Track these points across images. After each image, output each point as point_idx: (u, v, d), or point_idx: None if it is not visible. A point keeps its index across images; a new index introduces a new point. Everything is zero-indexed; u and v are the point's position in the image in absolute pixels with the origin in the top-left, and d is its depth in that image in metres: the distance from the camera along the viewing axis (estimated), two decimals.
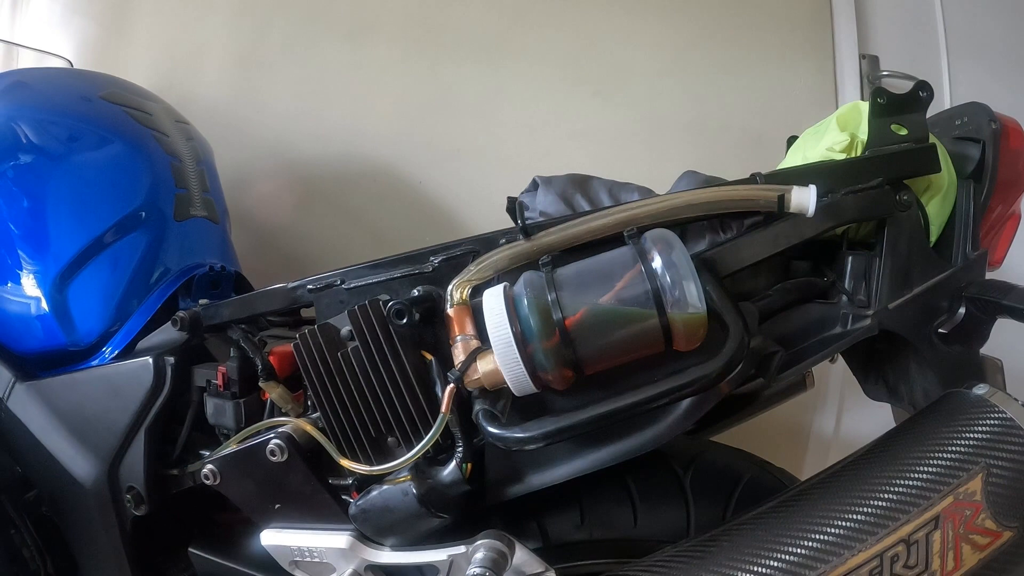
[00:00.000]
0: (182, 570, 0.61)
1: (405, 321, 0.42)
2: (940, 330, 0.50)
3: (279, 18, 0.95)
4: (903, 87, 0.49)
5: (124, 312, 0.61)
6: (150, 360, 0.55)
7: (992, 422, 0.40)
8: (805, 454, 0.97)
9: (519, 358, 0.37)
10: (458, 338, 0.41)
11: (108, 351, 0.61)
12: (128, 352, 0.60)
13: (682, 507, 0.51)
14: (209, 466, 0.52)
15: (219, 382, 0.54)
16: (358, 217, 0.95)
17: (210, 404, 0.55)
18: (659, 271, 0.37)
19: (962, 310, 0.50)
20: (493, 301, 0.38)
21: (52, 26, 0.92)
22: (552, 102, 0.95)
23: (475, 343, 0.41)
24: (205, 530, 0.61)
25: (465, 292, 0.43)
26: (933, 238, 0.52)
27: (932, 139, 0.51)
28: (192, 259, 0.65)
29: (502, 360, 0.37)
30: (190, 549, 0.57)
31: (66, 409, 0.59)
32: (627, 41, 0.96)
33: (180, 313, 0.56)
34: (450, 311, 0.42)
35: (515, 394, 0.39)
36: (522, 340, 0.37)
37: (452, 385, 0.40)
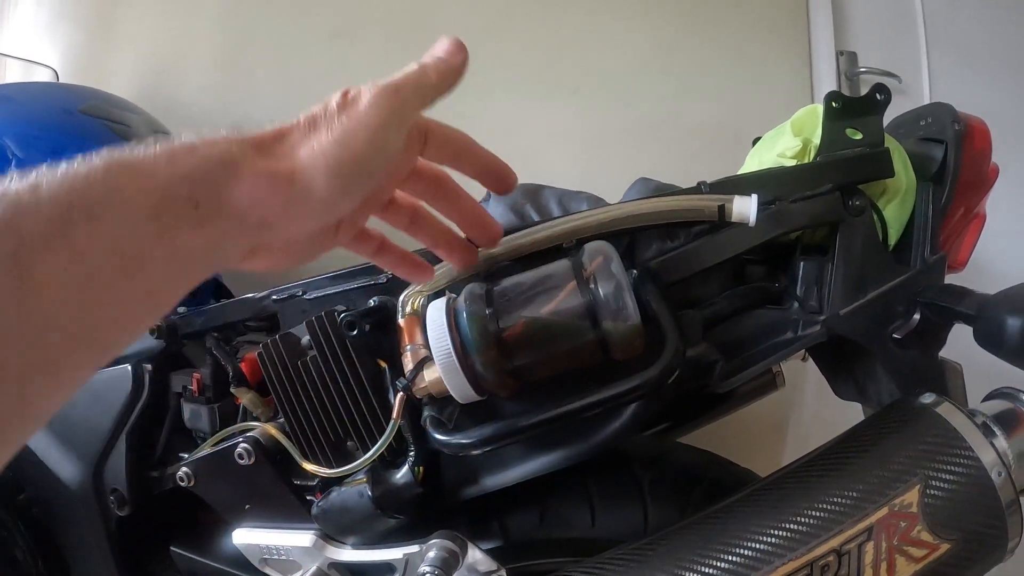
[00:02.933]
0: (166, 568, 0.63)
1: (356, 332, 0.43)
2: (895, 335, 0.50)
3: (262, 23, 0.96)
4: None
5: None
6: (129, 368, 0.58)
7: (935, 433, 0.40)
8: (783, 452, 0.97)
9: (459, 369, 0.38)
10: (408, 347, 0.43)
11: None
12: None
13: (639, 508, 0.53)
14: (184, 468, 0.54)
15: (194, 388, 0.57)
16: None
17: (186, 409, 0.58)
18: (593, 284, 0.38)
19: (917, 315, 0.50)
20: (434, 314, 0.39)
21: (38, 32, 0.94)
22: (530, 102, 0.96)
23: (423, 352, 0.42)
24: (188, 529, 0.64)
25: (417, 302, 0.44)
26: (892, 241, 0.53)
27: (890, 141, 0.51)
28: None
29: (443, 371, 0.39)
30: (172, 547, 0.60)
31: (53, 415, 0.61)
32: (605, 40, 0.96)
33: (157, 322, 0.58)
34: (401, 321, 0.44)
35: (460, 402, 0.41)
36: (462, 352, 0.38)
37: (402, 393, 0.42)
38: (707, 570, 0.36)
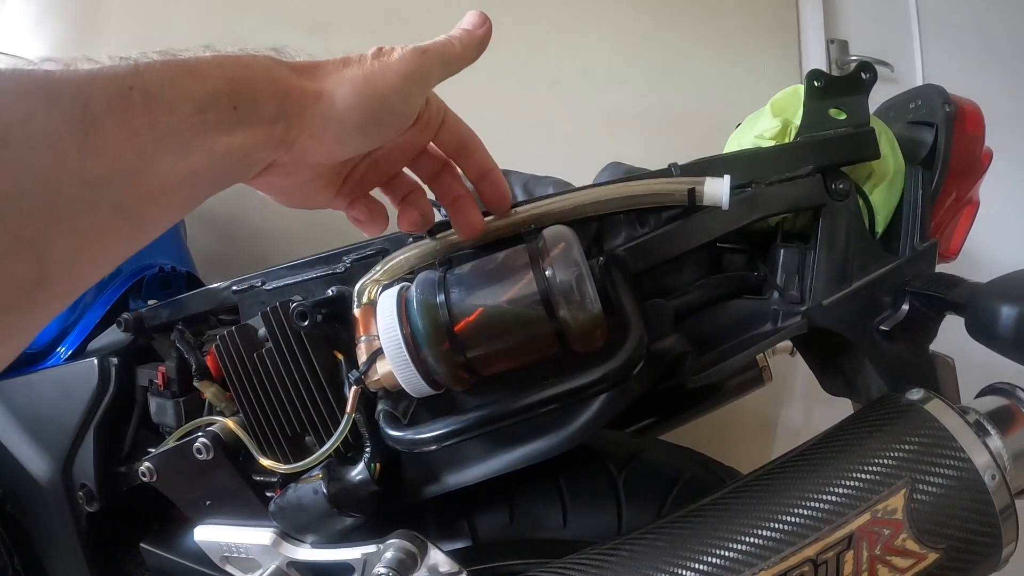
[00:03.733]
0: (138, 564, 0.62)
1: (308, 323, 0.42)
2: (882, 327, 0.47)
3: (243, 18, 0.96)
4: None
5: (77, 312, 0.63)
6: (95, 361, 0.57)
7: (923, 432, 0.37)
8: (772, 447, 0.94)
9: (409, 361, 0.36)
10: (362, 339, 0.41)
11: (63, 351, 0.63)
12: (81, 351, 0.62)
13: (613, 507, 0.50)
14: (147, 463, 0.53)
15: (159, 382, 0.55)
16: (320, 214, 0.95)
17: (153, 403, 0.56)
18: (551, 271, 0.36)
19: (905, 306, 0.47)
20: (385, 304, 0.37)
21: (26, 28, 0.94)
22: (509, 93, 0.93)
23: (377, 344, 0.40)
24: (161, 526, 0.63)
25: (373, 292, 0.42)
26: (880, 229, 0.50)
27: (877, 123, 0.48)
28: (144, 260, 0.66)
29: (394, 364, 0.37)
30: (141, 544, 0.59)
31: (23, 409, 0.61)
32: (587, 29, 0.93)
33: (124, 315, 0.57)
34: (356, 312, 0.42)
35: (413, 396, 0.39)
36: (413, 344, 0.36)
37: (355, 386, 0.40)
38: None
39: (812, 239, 0.46)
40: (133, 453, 0.59)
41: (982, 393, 0.44)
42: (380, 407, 0.40)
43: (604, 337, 0.37)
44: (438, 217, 0.43)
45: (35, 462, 0.59)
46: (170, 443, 0.53)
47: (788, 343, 0.66)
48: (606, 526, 0.50)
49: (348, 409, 0.41)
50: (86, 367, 0.57)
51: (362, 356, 0.40)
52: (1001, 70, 0.94)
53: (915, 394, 0.40)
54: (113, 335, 0.59)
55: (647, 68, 0.92)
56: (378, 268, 0.43)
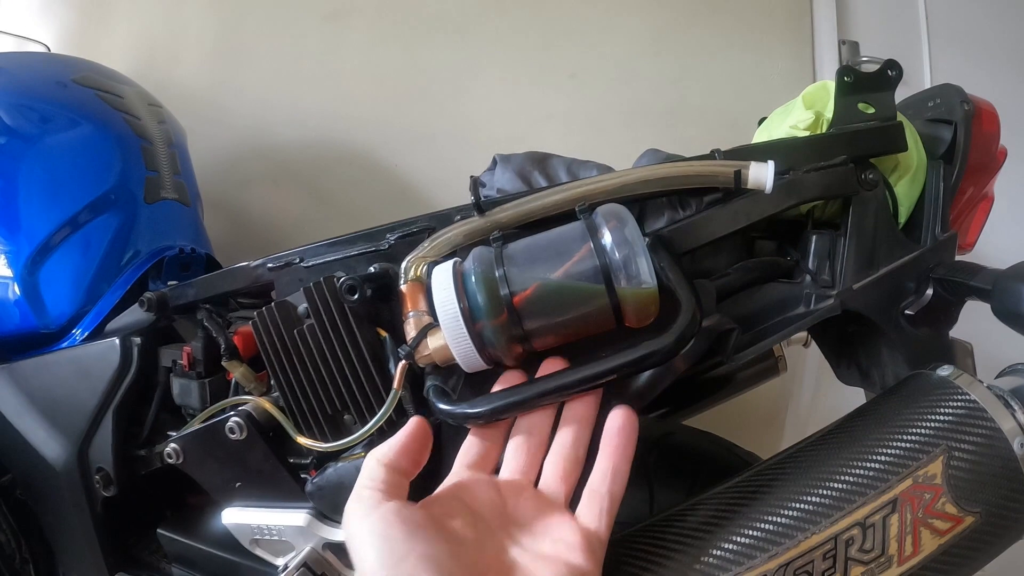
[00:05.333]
0: (153, 551, 0.61)
1: (356, 297, 0.42)
2: (907, 312, 0.49)
3: (256, 2, 0.95)
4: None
5: (94, 294, 0.62)
6: (117, 341, 0.55)
7: (955, 404, 0.39)
8: (781, 438, 0.96)
9: (467, 334, 0.37)
10: (410, 314, 0.41)
11: (78, 333, 0.61)
12: (98, 334, 0.60)
13: (645, 489, 0.51)
14: (172, 445, 0.52)
15: (184, 362, 0.55)
16: (333, 200, 0.95)
17: (176, 384, 0.55)
18: (608, 246, 0.36)
19: (929, 291, 0.49)
20: (441, 277, 0.38)
21: (32, 13, 0.92)
22: (528, 85, 0.95)
23: (427, 319, 0.40)
24: (176, 511, 0.61)
25: (420, 269, 0.43)
26: (902, 219, 0.52)
27: (901, 118, 0.50)
28: (162, 241, 0.65)
29: (450, 337, 0.37)
30: (159, 530, 0.58)
31: (38, 392, 0.59)
32: (603, 24, 0.95)
33: (147, 294, 0.56)
34: (403, 287, 0.42)
35: (465, 371, 0.39)
36: (469, 316, 0.37)
37: (404, 362, 0.40)
38: (729, 546, 0.35)
39: (842, 226, 0.48)
40: (152, 436, 0.58)
41: (1002, 374, 0.46)
42: (429, 382, 0.40)
43: (657, 312, 0.38)
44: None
45: (49, 445, 0.58)
46: (196, 424, 0.52)
47: (803, 333, 0.68)
48: (638, 508, 0.51)
49: (395, 385, 0.41)
50: (107, 347, 0.56)
51: (411, 331, 0.41)
52: (1008, 71, 0.98)
53: (945, 370, 0.42)
54: (134, 315, 0.58)
55: (663, 63, 0.94)
56: (426, 244, 0.43)
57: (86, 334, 0.61)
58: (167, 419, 0.59)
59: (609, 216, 0.38)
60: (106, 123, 0.64)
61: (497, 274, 0.37)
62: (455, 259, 0.40)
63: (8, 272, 0.60)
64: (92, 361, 0.56)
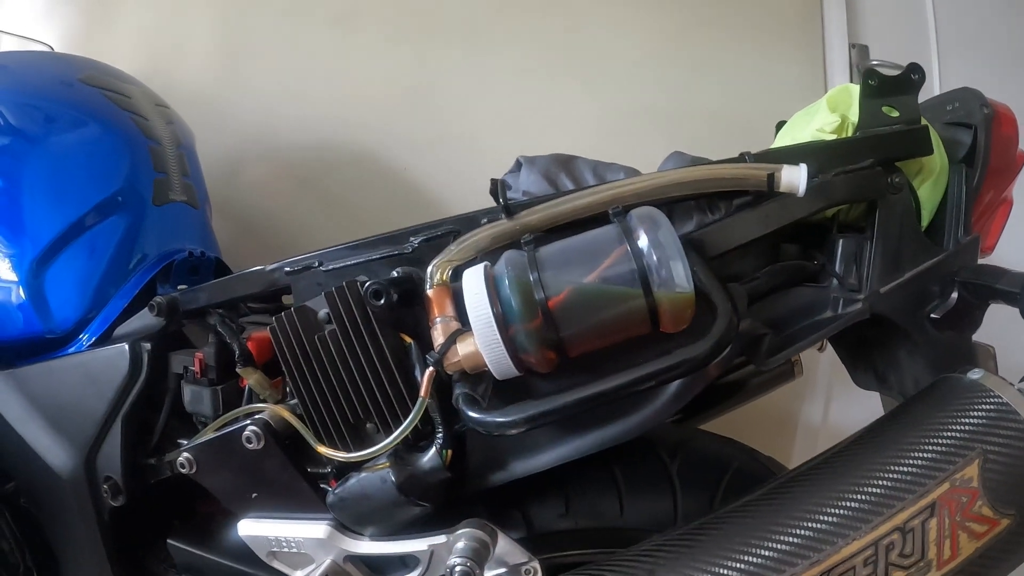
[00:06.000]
0: (161, 561, 0.59)
1: (383, 302, 0.41)
2: (932, 315, 0.49)
3: (263, 4, 0.93)
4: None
5: (101, 298, 0.60)
6: (126, 347, 0.54)
7: (988, 407, 0.39)
8: (793, 443, 0.96)
9: (500, 340, 0.36)
10: (437, 320, 0.40)
11: (85, 338, 0.59)
12: (105, 339, 0.59)
13: (669, 496, 0.51)
14: (185, 454, 0.50)
15: (196, 368, 0.53)
16: (342, 203, 0.93)
17: (187, 391, 0.54)
18: (645, 250, 0.36)
19: (954, 295, 0.49)
20: (473, 281, 0.37)
21: (35, 14, 0.90)
22: (537, 89, 0.94)
23: (455, 325, 0.40)
24: (185, 521, 0.60)
25: (446, 273, 0.42)
26: (924, 222, 0.52)
27: (924, 122, 0.50)
28: (171, 244, 0.63)
29: (483, 342, 0.36)
30: (169, 540, 0.56)
31: (43, 398, 0.57)
32: (613, 27, 0.95)
33: (157, 298, 0.54)
34: (430, 292, 0.41)
35: (496, 377, 0.38)
36: (503, 321, 0.36)
37: (431, 368, 0.39)
38: (767, 552, 0.34)
39: (868, 229, 0.48)
40: (162, 444, 0.57)
41: None
42: (458, 390, 0.39)
43: (692, 317, 0.37)
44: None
45: (55, 453, 0.56)
46: (209, 433, 0.51)
47: None
48: (663, 513, 0.50)
49: (422, 393, 0.40)
50: (116, 353, 0.54)
51: (439, 337, 0.40)
52: (1016, 75, 0.99)
53: (975, 374, 0.42)
54: (143, 320, 0.57)
55: (675, 67, 0.94)
56: (452, 248, 0.42)
57: (93, 339, 0.59)
58: (176, 426, 0.57)
59: (644, 219, 0.37)
60: (114, 123, 0.63)
61: (531, 278, 0.36)
62: (484, 263, 0.39)
63: (12, 276, 0.59)
64: (100, 367, 0.55)
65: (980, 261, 0.53)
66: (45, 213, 0.59)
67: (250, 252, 0.90)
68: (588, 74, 0.95)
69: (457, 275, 0.41)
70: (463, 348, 0.38)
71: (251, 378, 0.51)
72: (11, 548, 0.57)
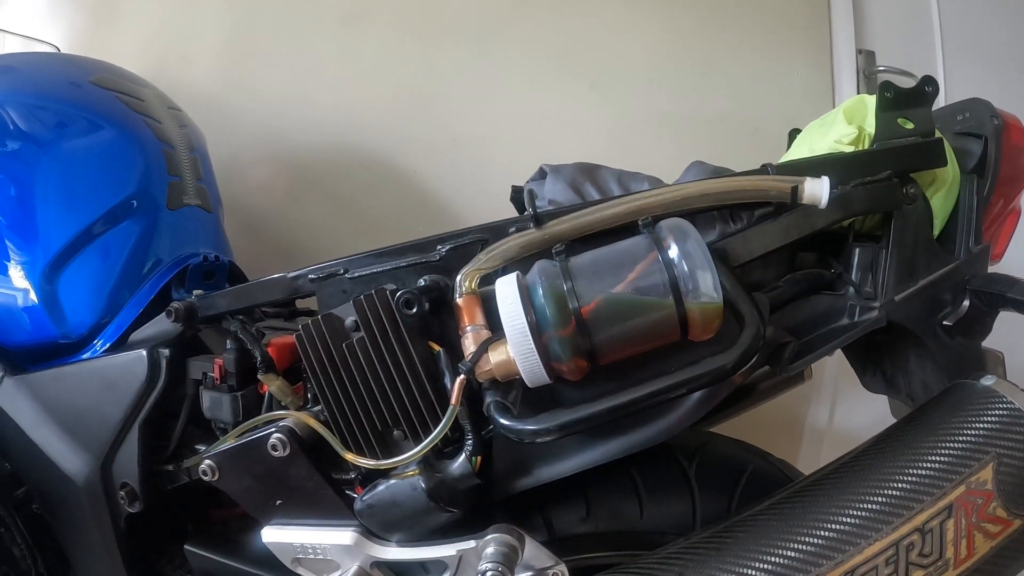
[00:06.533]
0: (177, 567, 0.59)
1: (415, 311, 0.41)
2: (945, 322, 0.50)
3: (272, 4, 0.93)
4: (901, 83, 0.50)
5: (115, 303, 0.60)
6: (144, 352, 0.54)
7: (1001, 412, 0.41)
8: (800, 446, 0.98)
9: (534, 348, 0.36)
10: (468, 328, 0.40)
11: (99, 344, 0.59)
12: (120, 345, 0.58)
13: (688, 498, 0.51)
14: (208, 461, 0.50)
15: (216, 375, 0.53)
16: (351, 206, 0.93)
17: (206, 397, 0.54)
18: (676, 260, 0.36)
19: (966, 303, 0.50)
20: (507, 289, 0.37)
21: (40, 15, 0.89)
22: (548, 92, 0.95)
23: (486, 333, 0.40)
24: (200, 527, 0.60)
25: (474, 281, 0.42)
26: (936, 231, 0.53)
27: (937, 134, 0.51)
28: (185, 249, 0.63)
29: (516, 350, 0.37)
30: (186, 547, 0.56)
31: (57, 403, 0.57)
32: (623, 32, 0.96)
33: (175, 304, 0.54)
34: (459, 300, 0.41)
35: (528, 385, 0.39)
36: (537, 329, 0.36)
37: (463, 376, 0.40)
38: (792, 552, 0.35)
39: (883, 239, 0.49)
40: (179, 450, 0.56)
41: None
42: (489, 398, 0.39)
43: (719, 326, 0.38)
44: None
45: (70, 459, 0.56)
46: (231, 439, 0.51)
47: None
48: (682, 516, 0.51)
49: (453, 401, 0.40)
50: (133, 359, 0.54)
51: (470, 346, 0.40)
52: (1021, 81, 1.01)
53: (988, 380, 0.44)
54: (159, 325, 0.56)
55: (683, 72, 0.95)
56: (481, 256, 0.42)
57: (108, 345, 0.59)
58: (193, 432, 0.57)
59: (674, 229, 0.38)
60: (128, 126, 0.62)
61: (565, 287, 0.36)
62: (516, 272, 0.40)
63: (25, 282, 0.58)
64: (117, 373, 0.54)
65: (989, 269, 0.55)
66: (57, 218, 0.59)
67: (258, 254, 0.90)
68: (598, 77, 0.95)
69: (485, 283, 0.42)
70: (495, 356, 0.39)
71: (273, 384, 0.51)
72: (23, 554, 0.57)
